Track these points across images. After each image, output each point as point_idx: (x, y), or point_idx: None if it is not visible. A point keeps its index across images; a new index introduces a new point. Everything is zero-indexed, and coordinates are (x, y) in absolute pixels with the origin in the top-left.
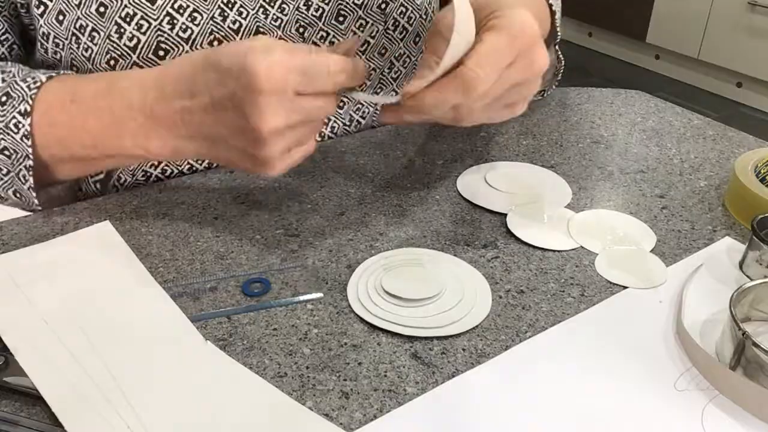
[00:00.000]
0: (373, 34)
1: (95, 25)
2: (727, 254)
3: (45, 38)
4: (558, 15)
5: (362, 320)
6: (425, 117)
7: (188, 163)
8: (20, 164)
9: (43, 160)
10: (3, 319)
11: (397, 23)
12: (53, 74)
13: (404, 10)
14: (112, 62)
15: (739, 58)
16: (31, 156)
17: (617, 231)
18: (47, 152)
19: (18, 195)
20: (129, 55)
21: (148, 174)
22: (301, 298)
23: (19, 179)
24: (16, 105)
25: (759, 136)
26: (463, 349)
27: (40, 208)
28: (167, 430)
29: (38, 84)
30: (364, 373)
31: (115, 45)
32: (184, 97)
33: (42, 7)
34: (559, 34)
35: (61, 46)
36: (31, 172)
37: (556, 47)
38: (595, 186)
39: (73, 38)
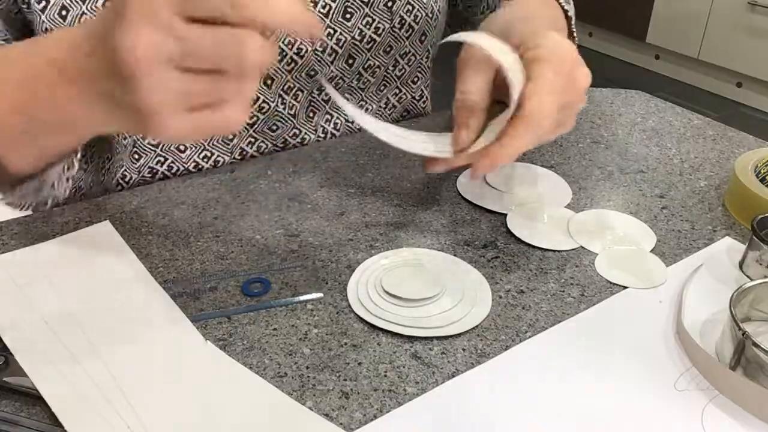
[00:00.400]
0: (379, 32)
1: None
2: (727, 254)
3: (45, 34)
4: (573, 20)
5: (362, 320)
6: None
7: (193, 161)
8: None
9: None
10: (3, 319)
11: (403, 21)
12: None
13: (410, 8)
14: None
15: (739, 58)
16: None
17: (617, 231)
18: None
19: None
20: None
21: (155, 171)
22: (301, 298)
23: None
24: None
25: (759, 136)
26: (463, 349)
27: (16, 204)
28: (167, 430)
29: None
30: (364, 373)
31: None
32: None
33: (43, 2)
34: (576, 37)
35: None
36: None
37: None
38: (595, 186)
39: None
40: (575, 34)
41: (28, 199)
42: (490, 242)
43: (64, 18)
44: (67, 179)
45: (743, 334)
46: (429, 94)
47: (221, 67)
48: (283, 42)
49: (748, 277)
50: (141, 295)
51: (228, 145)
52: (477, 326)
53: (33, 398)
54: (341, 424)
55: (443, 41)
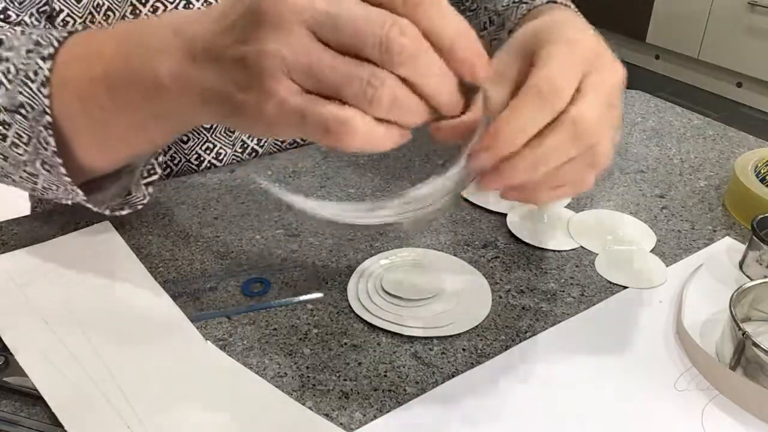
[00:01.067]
0: None
1: (111, 4)
2: (727, 254)
3: (57, 15)
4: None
5: (362, 320)
6: (542, 168)
7: (196, 153)
8: (39, 123)
9: (59, 122)
10: (3, 319)
11: None
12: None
13: None
14: None
15: (739, 58)
16: (48, 110)
17: (617, 231)
18: (59, 104)
19: (47, 168)
20: None
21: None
22: (301, 298)
23: (41, 143)
24: (42, 50)
25: (759, 136)
26: (463, 349)
27: (79, 194)
28: (167, 430)
29: (66, 34)
30: (364, 373)
31: None
32: (214, 21)
33: None
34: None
35: (72, 24)
36: (50, 132)
37: None
38: (595, 186)
39: (89, 16)
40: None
41: (106, 204)
42: (490, 242)
43: (78, 0)
44: (147, 185)
45: (743, 334)
46: None
47: (364, 51)
48: None
49: (748, 277)
50: (141, 295)
51: (230, 137)
52: (477, 326)
53: (33, 398)
54: (341, 424)
55: None
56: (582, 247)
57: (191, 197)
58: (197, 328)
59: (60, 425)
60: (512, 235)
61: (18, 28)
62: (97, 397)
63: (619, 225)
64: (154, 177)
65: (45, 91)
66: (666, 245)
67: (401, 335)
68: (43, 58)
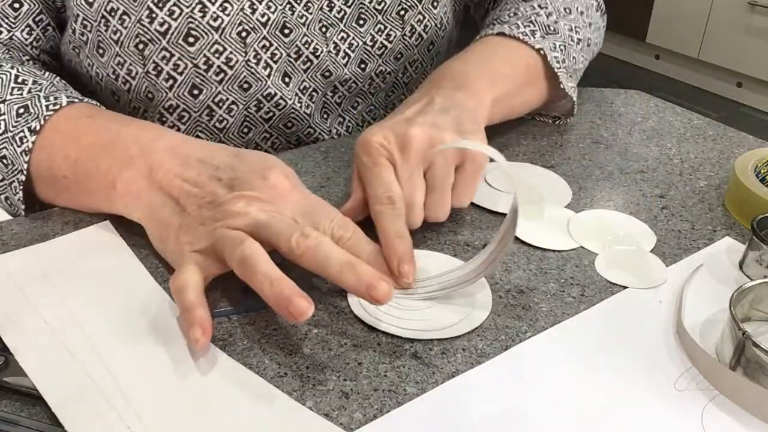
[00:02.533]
0: (390, 39)
1: (127, 8)
2: (727, 254)
3: (75, 20)
4: (570, 72)
5: (362, 320)
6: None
7: None
8: (14, 176)
9: (31, 176)
10: (3, 319)
11: (413, 30)
12: (76, 99)
13: (422, 18)
14: (140, 46)
15: (739, 58)
16: (24, 171)
17: (617, 231)
18: (35, 164)
19: (8, 202)
20: (159, 39)
21: None
22: None
23: (11, 189)
24: (30, 120)
25: (759, 136)
26: (463, 349)
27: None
28: (167, 430)
29: (57, 107)
30: (364, 373)
31: (145, 29)
32: (197, 161)
33: None
34: (567, 88)
35: (89, 28)
36: (21, 186)
37: (563, 86)
38: (595, 186)
39: (102, 20)
40: (566, 87)
41: (28, 211)
42: (490, 242)
43: (90, 5)
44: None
45: (743, 334)
46: None
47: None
48: (299, 41)
49: (748, 277)
50: (141, 296)
51: (243, 138)
52: (477, 326)
53: (33, 398)
54: (341, 424)
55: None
56: (582, 247)
57: None
58: None
59: (60, 425)
60: None
61: (12, 71)
62: (97, 397)
63: (619, 225)
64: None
65: (26, 158)
66: (666, 245)
67: (401, 335)
68: (31, 131)
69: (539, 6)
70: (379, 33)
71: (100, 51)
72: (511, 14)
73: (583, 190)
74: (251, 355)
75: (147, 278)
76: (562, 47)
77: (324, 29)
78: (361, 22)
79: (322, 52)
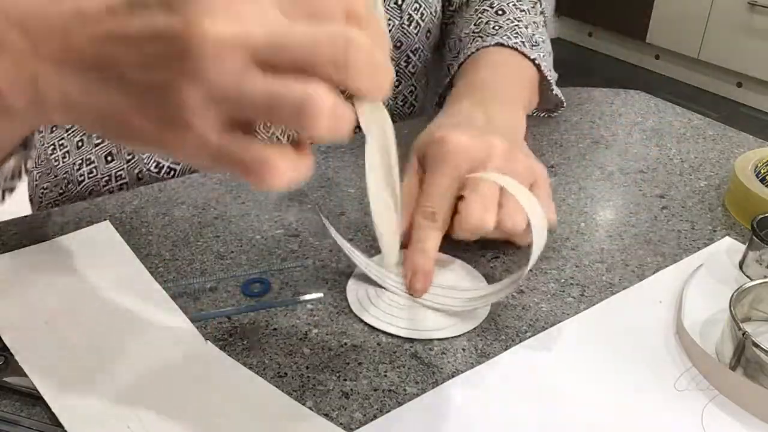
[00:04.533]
0: (390, 28)
1: None
2: (727, 254)
3: None
4: (544, 66)
5: (362, 320)
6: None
7: None
8: None
9: None
10: (3, 319)
11: (411, 18)
12: None
13: (417, 6)
14: None
15: (739, 58)
16: None
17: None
18: None
19: None
20: None
21: (161, 165)
22: (301, 298)
23: None
24: None
25: (759, 136)
26: (463, 349)
27: None
28: (167, 430)
29: None
30: (364, 373)
31: None
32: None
33: None
34: (555, 94)
35: None
36: None
37: (555, 94)
38: (595, 186)
39: None
40: (551, 84)
41: None
42: (490, 242)
43: None
44: (6, 190)
45: (743, 334)
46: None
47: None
48: None
49: (748, 277)
50: (141, 295)
51: None
52: (477, 326)
53: (33, 398)
54: (341, 424)
55: None
56: (582, 247)
57: (191, 197)
58: (197, 328)
59: (60, 425)
60: None
61: None
62: (97, 397)
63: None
64: (16, 183)
65: None
66: (666, 245)
67: (401, 335)
68: None
69: (516, 19)
70: None
71: None
72: (497, 27)
73: (583, 190)
74: (251, 355)
75: (147, 278)
76: (545, 57)
77: None
78: None
79: None
